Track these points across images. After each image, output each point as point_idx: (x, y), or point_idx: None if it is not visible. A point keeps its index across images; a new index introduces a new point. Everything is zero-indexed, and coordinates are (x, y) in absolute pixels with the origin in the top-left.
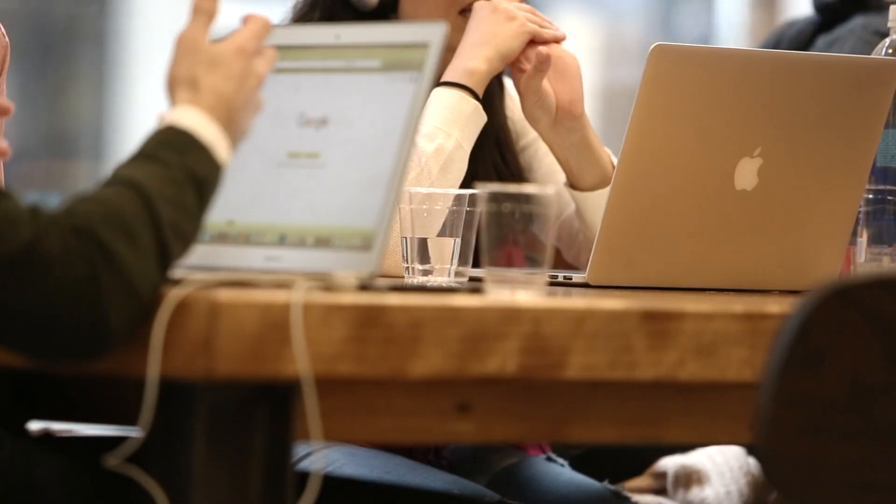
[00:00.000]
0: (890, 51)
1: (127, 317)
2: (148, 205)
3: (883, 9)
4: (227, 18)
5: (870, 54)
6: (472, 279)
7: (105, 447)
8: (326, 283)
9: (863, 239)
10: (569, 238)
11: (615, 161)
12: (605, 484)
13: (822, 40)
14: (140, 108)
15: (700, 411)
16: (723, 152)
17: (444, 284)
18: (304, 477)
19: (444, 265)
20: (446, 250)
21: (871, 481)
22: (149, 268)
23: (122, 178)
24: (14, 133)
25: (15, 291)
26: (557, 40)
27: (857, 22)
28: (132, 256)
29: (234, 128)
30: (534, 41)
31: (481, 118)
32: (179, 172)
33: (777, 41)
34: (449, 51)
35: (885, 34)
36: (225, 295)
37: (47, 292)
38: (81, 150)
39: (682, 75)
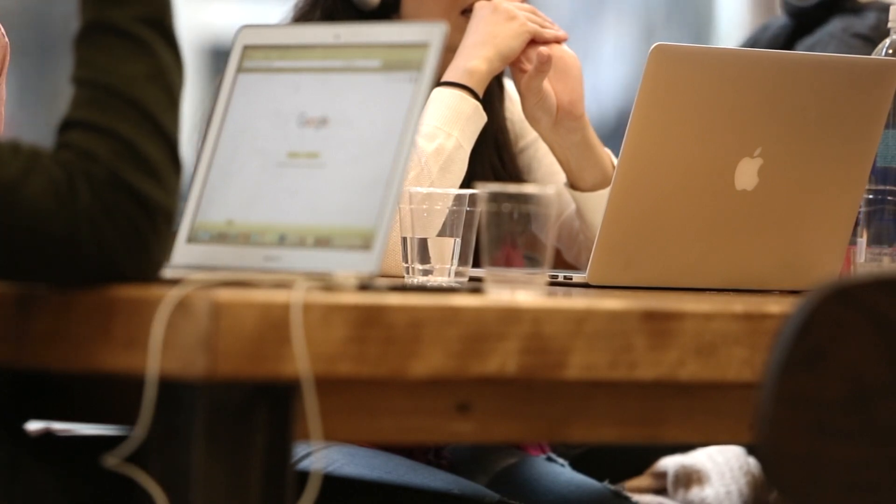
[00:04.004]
0: (890, 51)
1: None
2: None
3: (858, 10)
4: (228, 18)
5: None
6: (472, 279)
7: (105, 447)
8: (326, 283)
9: (863, 239)
10: (569, 238)
11: (615, 161)
12: (605, 484)
13: (801, 45)
14: None
15: (700, 411)
16: (723, 152)
17: (444, 284)
18: (304, 477)
19: (444, 265)
20: (446, 250)
21: (871, 481)
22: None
23: (89, 86)
24: (14, 133)
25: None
26: (558, 40)
27: (837, 25)
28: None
29: None
30: (534, 41)
31: (481, 118)
32: (134, 28)
33: (752, 45)
34: (449, 51)
35: (865, 36)
36: (225, 295)
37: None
38: None
39: (682, 75)
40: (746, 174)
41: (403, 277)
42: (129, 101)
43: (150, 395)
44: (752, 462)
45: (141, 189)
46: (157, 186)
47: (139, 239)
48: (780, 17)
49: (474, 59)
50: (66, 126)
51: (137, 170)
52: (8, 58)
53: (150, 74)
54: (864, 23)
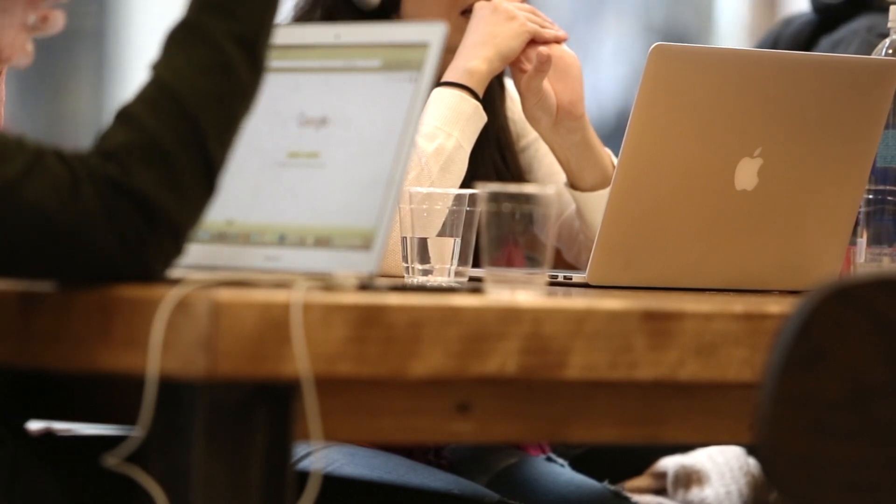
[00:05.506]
0: (890, 51)
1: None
2: (190, 122)
3: (886, 10)
4: None
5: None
6: (472, 279)
7: (105, 447)
8: (326, 282)
9: (863, 239)
10: (569, 238)
11: (615, 161)
12: (605, 484)
13: (825, 41)
14: None
15: (700, 411)
16: (723, 152)
17: (444, 284)
18: (304, 477)
19: (444, 265)
20: (446, 250)
21: (871, 481)
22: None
23: (158, 83)
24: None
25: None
26: (558, 40)
27: (862, 23)
28: (173, 201)
29: None
30: (534, 41)
31: (481, 118)
32: (224, 43)
33: (774, 40)
34: (449, 51)
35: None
36: (225, 295)
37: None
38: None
39: (682, 75)
40: (746, 174)
41: (403, 277)
42: (186, 113)
43: (150, 395)
44: (752, 462)
45: (150, 197)
46: (173, 199)
47: (138, 246)
48: (804, 13)
49: (474, 59)
50: (120, 113)
51: (158, 180)
52: None
53: (219, 94)
54: None
